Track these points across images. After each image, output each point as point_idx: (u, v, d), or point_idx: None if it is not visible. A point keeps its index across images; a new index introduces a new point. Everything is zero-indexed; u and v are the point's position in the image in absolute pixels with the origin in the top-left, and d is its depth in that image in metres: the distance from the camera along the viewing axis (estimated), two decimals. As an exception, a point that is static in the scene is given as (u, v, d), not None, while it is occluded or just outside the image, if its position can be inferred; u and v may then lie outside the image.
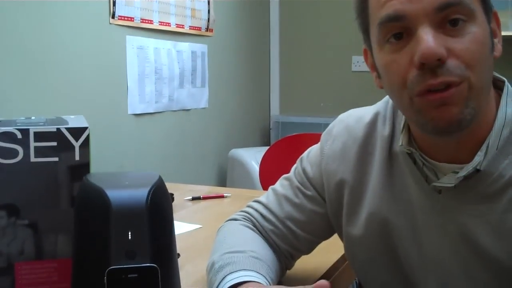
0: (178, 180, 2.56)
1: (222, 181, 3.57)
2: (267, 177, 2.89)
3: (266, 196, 1.08)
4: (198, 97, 3.32)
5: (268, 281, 0.90)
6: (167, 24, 2.98)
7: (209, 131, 3.47)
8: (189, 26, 3.17)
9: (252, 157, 3.38)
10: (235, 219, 1.08)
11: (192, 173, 3.28)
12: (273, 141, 3.77)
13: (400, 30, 0.79)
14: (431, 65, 0.76)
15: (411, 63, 0.78)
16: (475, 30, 0.77)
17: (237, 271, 0.89)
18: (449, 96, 0.76)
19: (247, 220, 1.07)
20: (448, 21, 0.77)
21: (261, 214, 1.06)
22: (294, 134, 3.04)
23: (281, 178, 1.09)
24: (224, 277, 0.88)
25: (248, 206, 1.09)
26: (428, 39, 0.75)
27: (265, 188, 2.85)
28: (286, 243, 1.04)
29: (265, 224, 1.05)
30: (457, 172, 0.82)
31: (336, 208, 1.00)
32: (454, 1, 0.76)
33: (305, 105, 4.16)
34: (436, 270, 0.88)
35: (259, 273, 0.90)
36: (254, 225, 1.06)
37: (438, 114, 0.78)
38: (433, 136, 0.84)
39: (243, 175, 3.38)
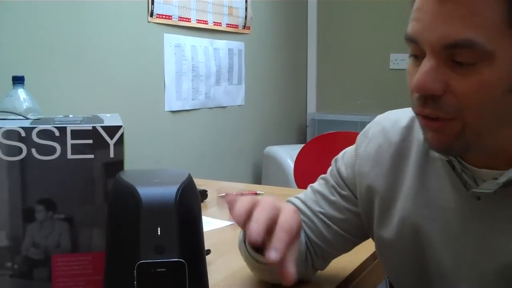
0: (213, 177, 2.59)
1: (257, 179, 3.60)
2: (302, 175, 2.90)
3: (305, 193, 1.11)
4: (234, 95, 3.35)
5: None
6: (205, 22, 3.02)
7: (245, 128, 3.50)
8: (226, 24, 3.20)
9: (288, 155, 3.40)
10: None
11: (227, 170, 3.31)
12: (309, 138, 3.77)
13: (416, 52, 0.78)
14: (424, 96, 0.76)
15: None
16: (488, 73, 0.72)
17: None
18: (438, 127, 0.77)
19: None
20: (456, 60, 0.74)
21: (298, 207, 1.08)
22: (330, 132, 3.04)
23: (319, 177, 1.10)
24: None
25: (287, 201, 1.11)
26: (424, 72, 0.74)
27: (299, 185, 2.86)
28: (317, 236, 1.05)
29: (301, 216, 1.06)
30: (497, 178, 0.82)
31: (368, 210, 1.01)
32: (465, 42, 0.72)
33: (342, 103, 4.15)
34: (469, 275, 0.88)
35: None
36: None
37: (431, 137, 0.79)
38: None
39: (278, 172, 3.39)
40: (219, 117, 3.24)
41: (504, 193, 0.82)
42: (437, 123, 0.77)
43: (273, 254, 0.73)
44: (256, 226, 0.74)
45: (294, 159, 3.00)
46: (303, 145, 3.10)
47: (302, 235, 1.04)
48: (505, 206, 0.83)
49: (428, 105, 0.76)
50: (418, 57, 0.78)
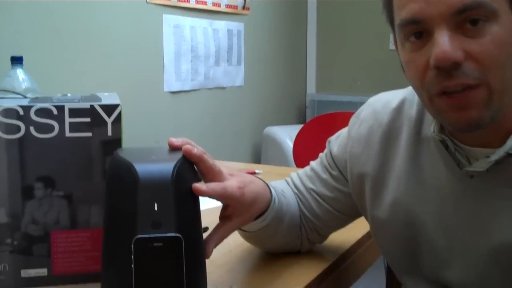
0: (213, 157, 2.60)
1: (256, 159, 3.61)
2: (301, 155, 2.91)
3: (304, 169, 1.14)
4: (233, 75, 3.35)
5: (274, 196, 1.00)
6: (204, 3, 3.01)
7: (244, 109, 3.50)
8: (226, 5, 3.20)
9: (287, 135, 3.41)
10: None
11: (227, 151, 3.32)
12: (308, 119, 3.78)
13: (419, 30, 0.78)
14: (447, 68, 0.75)
15: (428, 65, 0.78)
16: (497, 30, 0.75)
17: None
18: (466, 101, 0.76)
19: (284, 180, 1.14)
20: (467, 21, 0.75)
21: (294, 182, 1.12)
22: (329, 112, 3.05)
23: (318, 155, 1.12)
24: None
25: (289, 177, 1.15)
26: (443, 42, 0.75)
27: (298, 165, 2.87)
28: (309, 211, 1.08)
29: (295, 190, 1.10)
30: (489, 157, 0.82)
31: (359, 193, 1.02)
32: (473, 4, 0.74)
33: (342, 83, 4.16)
34: (463, 254, 0.89)
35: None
36: (288, 184, 1.13)
37: (457, 117, 0.78)
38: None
39: (278, 152, 3.40)
40: (218, 97, 3.24)
41: (497, 171, 0.83)
42: (467, 95, 0.76)
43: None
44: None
45: (294, 139, 3.01)
46: (302, 125, 3.10)
47: (297, 208, 1.07)
48: (498, 184, 0.84)
49: (453, 75, 0.75)
50: (421, 36, 0.78)
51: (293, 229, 1.07)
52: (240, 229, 1.01)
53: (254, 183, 0.95)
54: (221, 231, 0.89)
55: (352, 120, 1.06)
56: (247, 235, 1.04)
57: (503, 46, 0.75)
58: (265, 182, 1.00)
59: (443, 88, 0.77)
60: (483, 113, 0.77)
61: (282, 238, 1.06)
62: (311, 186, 1.08)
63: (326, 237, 1.13)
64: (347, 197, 1.05)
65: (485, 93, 0.76)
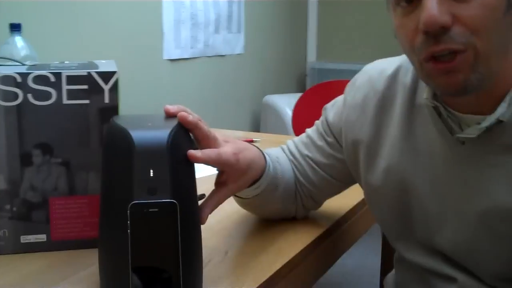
0: (212, 126, 2.60)
1: (256, 127, 3.62)
2: (300, 123, 2.92)
3: (300, 136, 1.15)
4: (233, 43, 3.34)
5: (269, 163, 1.02)
6: (203, -30, 2.99)
7: (244, 77, 3.50)
8: (225, -29, 3.17)
9: (286, 104, 3.41)
10: None
11: (226, 119, 3.33)
12: (308, 87, 3.77)
13: None
14: (435, 32, 0.76)
15: (417, 29, 0.78)
16: None
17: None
18: (453, 66, 0.77)
19: (280, 148, 1.16)
20: None
21: (289, 149, 1.13)
22: (329, 80, 3.04)
23: (315, 122, 1.14)
24: None
25: (285, 144, 1.16)
26: (431, 6, 0.75)
27: (297, 134, 2.88)
28: (304, 178, 1.09)
29: (290, 157, 1.11)
30: (480, 123, 0.84)
31: (353, 160, 1.04)
32: None
33: (342, 51, 4.14)
34: (453, 219, 0.90)
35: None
36: (283, 151, 1.14)
37: (445, 81, 0.80)
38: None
39: (277, 121, 3.41)
40: (218, 65, 3.24)
41: (487, 137, 0.84)
42: (450, 62, 0.77)
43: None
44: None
45: (293, 108, 3.01)
46: (302, 94, 3.11)
47: (292, 175, 1.09)
48: (488, 150, 0.85)
49: (440, 40, 0.77)
50: (411, 1, 0.79)
51: (288, 195, 1.08)
52: (236, 196, 1.03)
53: (248, 149, 0.96)
54: (216, 197, 0.91)
55: (348, 87, 1.07)
56: (243, 202, 1.06)
57: (491, 10, 0.76)
58: (260, 150, 1.01)
59: (431, 53, 0.78)
60: (469, 77, 0.78)
61: (277, 205, 1.07)
62: (307, 153, 1.10)
63: (321, 203, 1.14)
64: (342, 164, 1.07)
65: (472, 57, 0.77)
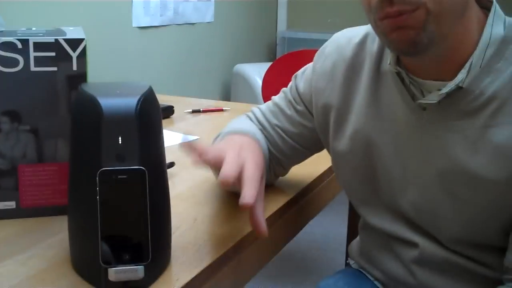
0: (182, 94, 2.61)
1: (226, 96, 3.62)
2: (270, 92, 2.91)
3: (266, 104, 1.16)
4: (203, 11, 3.31)
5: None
6: None
7: (214, 46, 3.48)
8: None
9: (257, 73, 3.41)
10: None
11: (196, 88, 3.32)
12: (279, 56, 3.78)
13: None
14: None
15: None
16: None
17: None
18: (402, 21, 0.80)
19: (247, 117, 1.16)
20: None
21: (257, 118, 1.13)
22: (299, 49, 3.05)
23: (281, 90, 1.14)
24: (221, 133, 1.07)
25: (250, 111, 1.16)
26: None
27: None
28: (274, 147, 1.10)
29: (259, 126, 1.12)
30: (441, 90, 0.86)
31: (324, 126, 1.06)
32: None
33: (312, 20, 4.14)
34: (414, 181, 0.94)
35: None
36: (252, 121, 1.14)
37: (396, 37, 0.82)
38: (399, 55, 0.88)
39: (247, 90, 3.42)
40: (188, 34, 3.22)
41: (447, 103, 0.87)
42: (402, 16, 0.80)
43: (246, 200, 0.79)
44: (229, 167, 0.81)
45: (263, 76, 3.02)
46: (272, 63, 3.11)
47: (266, 148, 1.09)
48: (447, 116, 0.88)
49: (393, 2, 0.79)
50: None
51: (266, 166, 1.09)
52: None
53: (254, 151, 0.96)
54: (260, 204, 0.86)
55: (317, 55, 1.08)
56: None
57: None
58: (254, 140, 1.02)
59: (386, 14, 0.81)
60: (420, 33, 0.81)
61: None
62: (276, 122, 1.11)
63: (288, 170, 1.16)
64: (312, 132, 1.09)
65: (423, 15, 0.80)
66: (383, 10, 0.81)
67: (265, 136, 1.11)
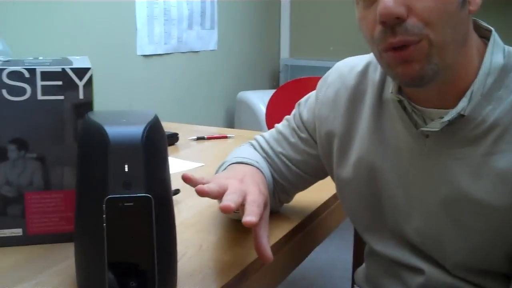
0: (186, 122, 2.62)
1: (230, 123, 3.63)
2: (273, 120, 2.94)
3: (270, 132, 1.17)
4: (207, 39, 3.34)
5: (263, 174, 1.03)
6: (177, -34, 2.99)
7: (217, 73, 3.51)
8: (199, -32, 3.17)
9: (260, 100, 3.43)
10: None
11: (200, 115, 3.34)
12: (282, 84, 3.80)
13: None
14: (391, 24, 0.80)
15: (376, 20, 0.82)
16: None
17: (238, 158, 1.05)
18: (408, 55, 0.81)
19: (250, 145, 1.17)
20: None
21: (261, 146, 1.14)
22: (302, 77, 3.07)
23: (284, 118, 1.15)
24: (225, 162, 1.07)
25: (253, 139, 1.18)
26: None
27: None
28: (279, 175, 1.11)
29: (264, 155, 1.13)
30: (443, 117, 0.87)
31: (327, 153, 1.06)
32: None
33: (315, 48, 4.17)
34: (418, 208, 0.94)
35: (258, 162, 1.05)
36: (256, 150, 1.15)
37: (402, 70, 0.83)
38: (405, 87, 0.90)
39: (251, 117, 3.43)
40: (192, 61, 3.24)
41: (449, 130, 0.88)
42: (406, 50, 0.81)
43: (249, 217, 0.79)
44: (231, 195, 0.82)
45: (266, 104, 3.03)
46: (275, 90, 3.13)
47: (270, 176, 1.10)
48: (449, 143, 0.89)
49: (396, 33, 0.81)
50: None
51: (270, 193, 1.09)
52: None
53: (254, 177, 0.97)
54: (265, 227, 0.87)
55: (320, 83, 1.10)
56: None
57: (444, 3, 0.80)
58: (257, 169, 1.03)
59: (389, 45, 0.82)
60: (424, 67, 0.82)
61: None
62: (280, 149, 1.11)
63: (293, 197, 1.16)
64: (316, 159, 1.09)
65: (426, 47, 0.81)
66: (386, 40, 0.82)
67: (269, 164, 1.12)
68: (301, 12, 4.18)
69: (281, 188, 1.12)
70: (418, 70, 0.82)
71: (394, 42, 0.81)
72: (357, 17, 0.88)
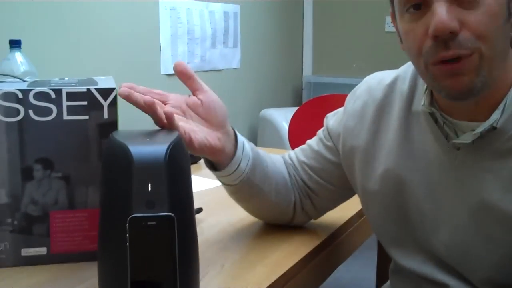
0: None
1: (253, 141, 3.60)
2: (296, 137, 2.93)
3: (301, 146, 1.19)
4: (230, 58, 3.37)
5: (243, 142, 1.13)
6: (200, -15, 3.02)
7: (240, 91, 3.52)
8: (222, -13, 3.21)
9: (283, 117, 3.43)
10: None
11: (223, 132, 3.34)
12: (305, 101, 3.81)
13: (418, 1, 0.83)
14: (444, 38, 0.81)
15: (426, 34, 0.83)
16: (490, 3, 0.81)
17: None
18: (459, 67, 0.82)
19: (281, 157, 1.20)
20: None
21: (289, 156, 1.18)
22: (325, 94, 3.07)
23: (317, 132, 1.18)
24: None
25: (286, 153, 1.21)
26: (442, 12, 0.80)
27: (293, 147, 2.89)
28: (302, 181, 1.14)
29: (289, 162, 1.16)
30: (475, 130, 0.87)
31: (349, 164, 1.07)
32: None
33: (338, 65, 4.17)
34: (449, 221, 0.93)
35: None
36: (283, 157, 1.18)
37: (451, 83, 0.83)
38: (449, 100, 0.89)
39: (274, 135, 3.43)
40: (215, 80, 3.26)
41: (481, 143, 0.88)
42: (458, 63, 0.82)
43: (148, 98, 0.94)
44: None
45: (289, 121, 3.03)
46: (298, 107, 3.13)
47: (286, 173, 1.14)
48: (482, 156, 0.89)
49: (449, 46, 0.81)
50: (419, 7, 0.84)
51: (283, 192, 1.11)
52: (226, 184, 1.06)
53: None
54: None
55: (349, 97, 1.12)
56: (231, 190, 1.08)
57: (494, 17, 0.81)
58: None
59: (441, 58, 0.82)
60: (474, 79, 0.82)
61: (269, 199, 1.09)
62: (303, 159, 1.14)
63: (320, 211, 1.17)
64: (337, 168, 1.10)
65: (477, 60, 0.81)
66: (438, 54, 0.82)
67: (294, 170, 1.15)
68: (324, 29, 4.19)
69: (305, 193, 1.14)
70: (467, 83, 0.82)
71: (447, 55, 0.82)
72: (400, 30, 0.89)
